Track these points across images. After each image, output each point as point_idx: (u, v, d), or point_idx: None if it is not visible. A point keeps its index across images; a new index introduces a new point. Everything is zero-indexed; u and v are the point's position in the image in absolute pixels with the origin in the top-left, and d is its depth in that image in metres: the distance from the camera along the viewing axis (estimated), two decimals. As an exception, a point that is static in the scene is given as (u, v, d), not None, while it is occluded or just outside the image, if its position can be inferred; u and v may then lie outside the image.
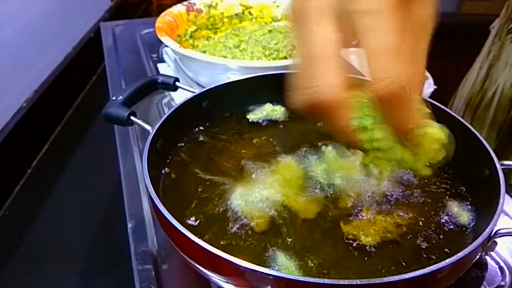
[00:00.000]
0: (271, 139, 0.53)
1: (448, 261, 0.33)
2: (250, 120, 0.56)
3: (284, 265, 0.38)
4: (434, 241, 0.41)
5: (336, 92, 0.30)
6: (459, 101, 0.78)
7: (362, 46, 0.29)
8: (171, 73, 0.77)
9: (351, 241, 0.40)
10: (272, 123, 0.57)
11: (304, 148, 0.50)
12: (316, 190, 0.45)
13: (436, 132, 0.36)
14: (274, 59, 0.72)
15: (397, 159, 0.36)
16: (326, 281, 0.32)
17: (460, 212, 0.43)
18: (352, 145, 0.35)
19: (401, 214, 0.43)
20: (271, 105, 0.57)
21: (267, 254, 0.39)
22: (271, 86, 0.58)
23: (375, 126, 0.34)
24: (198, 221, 0.42)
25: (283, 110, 0.57)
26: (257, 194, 0.44)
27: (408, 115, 0.31)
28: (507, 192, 0.40)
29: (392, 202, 0.45)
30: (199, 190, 0.46)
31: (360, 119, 0.33)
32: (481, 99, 0.70)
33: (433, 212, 0.44)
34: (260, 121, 0.56)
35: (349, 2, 0.29)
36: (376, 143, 0.35)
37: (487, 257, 0.45)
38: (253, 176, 0.47)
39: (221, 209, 0.44)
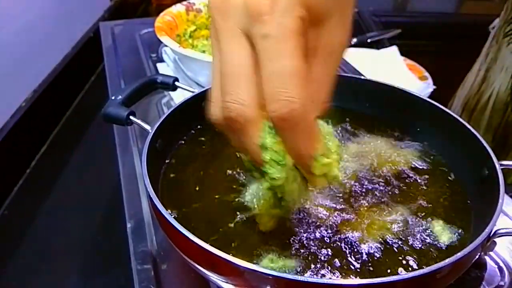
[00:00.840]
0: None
1: (447, 261, 0.33)
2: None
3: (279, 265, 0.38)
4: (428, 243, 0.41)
5: (244, 110, 0.30)
6: (457, 102, 0.78)
7: (260, 71, 0.29)
8: (171, 73, 0.77)
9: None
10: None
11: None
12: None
13: (332, 157, 0.34)
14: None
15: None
16: (326, 281, 0.32)
17: (442, 232, 0.42)
18: (256, 165, 0.34)
19: (398, 214, 0.43)
20: None
21: (267, 255, 0.39)
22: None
23: (275, 146, 0.32)
24: (197, 221, 0.42)
25: None
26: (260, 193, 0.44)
27: (301, 141, 0.31)
28: (506, 192, 0.40)
29: (390, 200, 0.45)
30: (199, 189, 0.46)
31: (263, 138, 0.32)
32: (477, 102, 0.70)
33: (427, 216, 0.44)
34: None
35: (252, 24, 0.29)
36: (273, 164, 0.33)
37: (486, 257, 0.45)
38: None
39: (222, 208, 0.44)
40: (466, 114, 0.73)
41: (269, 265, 0.38)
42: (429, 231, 0.42)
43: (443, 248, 0.40)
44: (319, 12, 0.30)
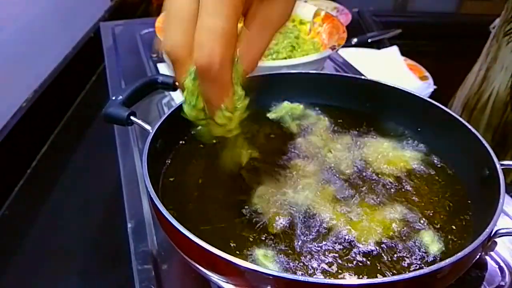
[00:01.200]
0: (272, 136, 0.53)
1: (448, 261, 0.33)
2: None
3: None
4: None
5: (175, 50, 0.34)
6: (458, 102, 0.78)
7: (197, 19, 0.32)
8: (171, 73, 0.77)
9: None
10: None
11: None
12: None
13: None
14: (273, 59, 0.72)
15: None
16: (326, 281, 0.32)
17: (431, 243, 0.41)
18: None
19: (398, 213, 0.43)
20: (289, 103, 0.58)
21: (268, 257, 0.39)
22: (270, 86, 0.58)
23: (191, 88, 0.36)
24: (198, 221, 0.42)
25: (289, 108, 0.57)
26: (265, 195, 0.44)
27: (212, 91, 0.34)
28: (507, 192, 0.40)
29: (390, 199, 0.45)
30: (199, 190, 0.46)
31: (186, 78, 0.36)
32: (477, 101, 0.70)
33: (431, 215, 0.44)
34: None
35: None
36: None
37: (487, 257, 0.45)
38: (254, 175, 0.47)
39: (222, 208, 0.44)
40: (466, 113, 0.73)
41: (263, 262, 0.38)
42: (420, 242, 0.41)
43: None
44: None
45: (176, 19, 0.33)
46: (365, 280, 0.32)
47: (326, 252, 0.39)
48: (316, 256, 0.39)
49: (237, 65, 0.35)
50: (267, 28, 0.36)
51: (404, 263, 0.39)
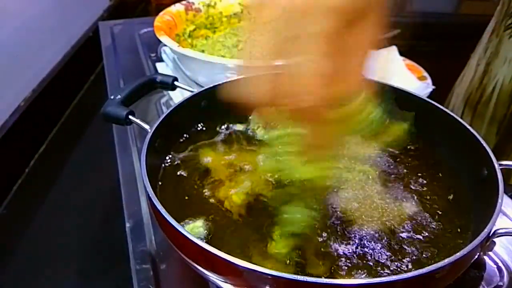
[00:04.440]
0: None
1: (446, 261, 0.33)
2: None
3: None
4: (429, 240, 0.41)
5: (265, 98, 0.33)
6: (456, 99, 0.78)
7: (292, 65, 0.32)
8: (170, 73, 0.77)
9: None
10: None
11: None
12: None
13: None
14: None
15: None
16: (326, 281, 0.32)
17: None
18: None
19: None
20: None
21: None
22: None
23: None
24: (196, 221, 0.42)
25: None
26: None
27: (318, 131, 0.34)
28: (506, 192, 0.40)
29: (389, 199, 0.45)
30: (198, 189, 0.46)
31: None
32: (480, 95, 0.70)
33: (430, 214, 0.44)
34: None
35: (296, 26, 0.31)
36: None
37: (486, 257, 0.45)
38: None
39: (220, 208, 0.44)
40: (469, 108, 0.73)
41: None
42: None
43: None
44: (354, 15, 0.32)
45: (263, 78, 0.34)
46: (364, 280, 0.32)
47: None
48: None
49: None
50: (361, 56, 0.34)
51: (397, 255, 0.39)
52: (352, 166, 0.49)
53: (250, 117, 0.56)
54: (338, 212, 0.43)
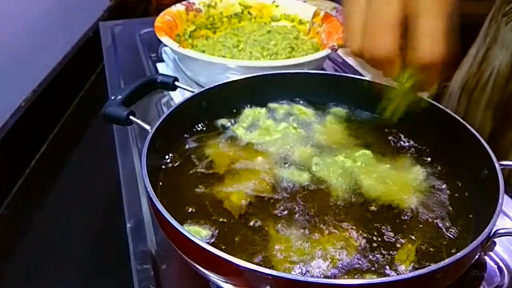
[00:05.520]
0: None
1: (447, 261, 0.33)
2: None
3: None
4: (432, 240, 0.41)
5: (388, 54, 0.40)
6: (453, 87, 0.78)
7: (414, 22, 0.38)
8: (170, 73, 0.77)
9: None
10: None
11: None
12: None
13: None
14: (272, 60, 0.72)
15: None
16: (326, 281, 0.32)
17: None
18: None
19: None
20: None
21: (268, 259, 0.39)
22: (270, 86, 0.58)
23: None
24: (196, 221, 0.42)
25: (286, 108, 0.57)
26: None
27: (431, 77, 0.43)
28: (506, 192, 0.40)
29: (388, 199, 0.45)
30: (198, 190, 0.46)
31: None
32: (477, 81, 0.70)
33: (430, 215, 0.44)
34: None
35: None
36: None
37: (486, 257, 0.45)
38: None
39: (221, 208, 0.44)
40: (466, 94, 0.73)
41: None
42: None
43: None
44: None
45: (386, 26, 0.39)
46: (365, 280, 0.32)
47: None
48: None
49: None
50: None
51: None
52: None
53: (250, 117, 0.56)
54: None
